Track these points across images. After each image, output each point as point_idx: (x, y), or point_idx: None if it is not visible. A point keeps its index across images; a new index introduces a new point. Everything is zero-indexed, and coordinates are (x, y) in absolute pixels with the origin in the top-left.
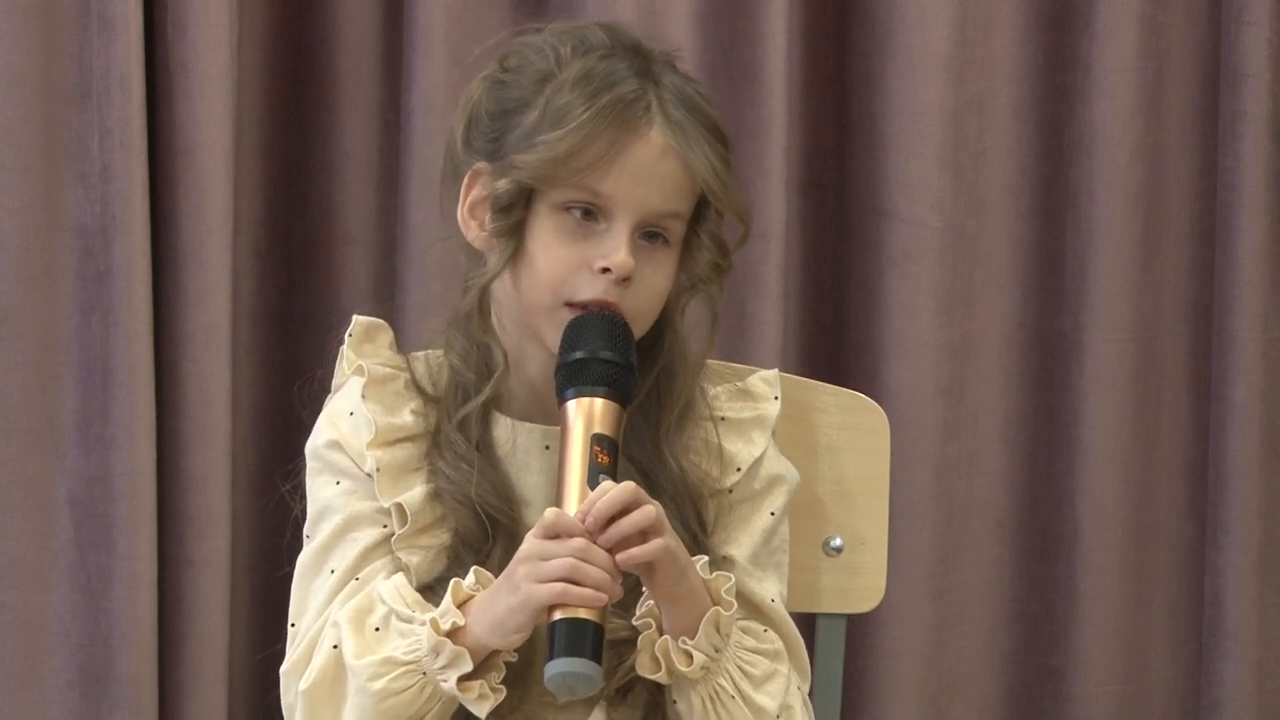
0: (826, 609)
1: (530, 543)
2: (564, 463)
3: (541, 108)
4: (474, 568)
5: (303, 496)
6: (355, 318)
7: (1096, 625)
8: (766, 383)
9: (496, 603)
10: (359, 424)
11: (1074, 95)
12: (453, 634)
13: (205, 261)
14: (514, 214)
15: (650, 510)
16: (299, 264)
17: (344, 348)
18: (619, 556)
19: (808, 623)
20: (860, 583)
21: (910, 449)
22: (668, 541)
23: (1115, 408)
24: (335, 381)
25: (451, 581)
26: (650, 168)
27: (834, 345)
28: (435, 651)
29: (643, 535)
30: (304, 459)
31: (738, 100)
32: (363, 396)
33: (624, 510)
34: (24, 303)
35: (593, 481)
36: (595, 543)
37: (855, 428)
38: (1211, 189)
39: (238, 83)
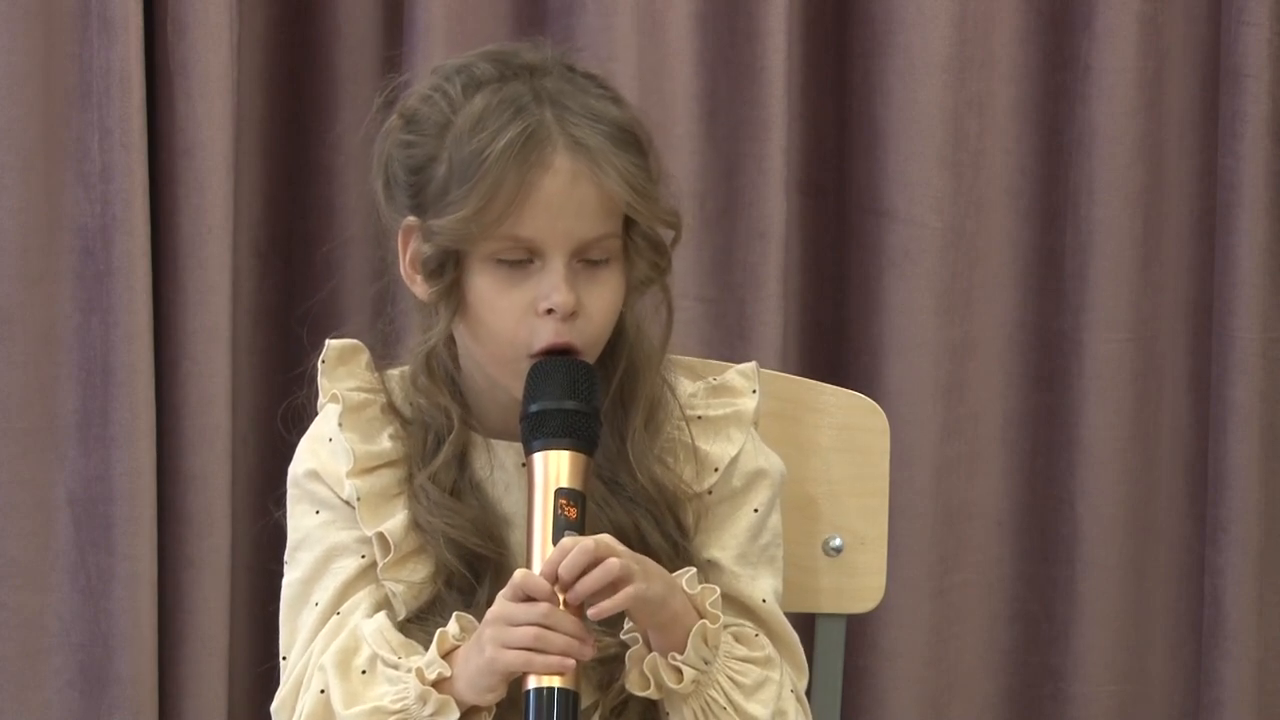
0: (826, 609)
1: (498, 604)
2: (531, 519)
3: (448, 161)
4: (456, 614)
5: None
6: (328, 342)
7: (1096, 625)
8: (744, 376)
9: (470, 660)
10: (338, 451)
11: (1074, 95)
12: (438, 684)
13: (205, 261)
14: (446, 276)
15: (612, 564)
16: (299, 264)
17: (319, 374)
18: (590, 612)
19: (807, 623)
20: (860, 583)
21: (910, 449)
22: (636, 589)
23: (1115, 408)
24: (319, 402)
25: (438, 632)
26: (565, 198)
27: (834, 345)
28: (422, 700)
29: (612, 586)
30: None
31: (738, 100)
32: (339, 425)
33: (587, 567)
34: (24, 303)
35: (558, 538)
36: (563, 599)
37: (855, 428)
38: (1211, 189)
39: (238, 83)
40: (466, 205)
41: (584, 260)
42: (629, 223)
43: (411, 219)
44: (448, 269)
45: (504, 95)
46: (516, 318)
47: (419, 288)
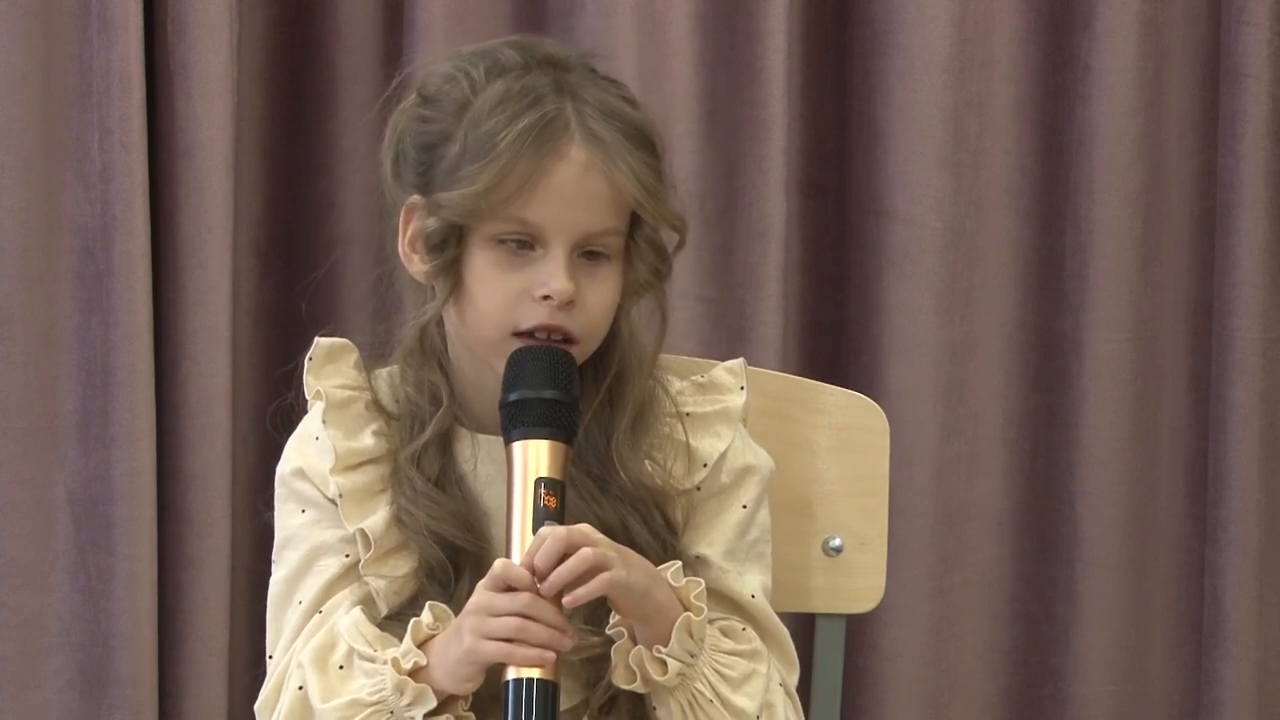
0: (826, 609)
1: (478, 594)
2: (511, 509)
3: (462, 139)
4: (429, 603)
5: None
6: (317, 340)
7: (1096, 625)
8: (731, 373)
9: (449, 650)
10: (323, 449)
11: (1074, 95)
12: (414, 673)
13: (205, 261)
14: (447, 251)
15: (586, 553)
16: (299, 264)
17: (305, 372)
18: (565, 599)
19: (807, 623)
20: (860, 583)
21: (910, 449)
22: (614, 575)
23: (1115, 408)
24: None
25: (411, 622)
26: (575, 188)
27: (834, 345)
28: (399, 690)
29: (587, 574)
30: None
31: (738, 100)
32: (323, 422)
33: (562, 556)
34: (24, 303)
35: (538, 528)
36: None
37: (855, 428)
38: (1211, 189)
39: (238, 83)
40: (478, 181)
41: (584, 255)
42: (633, 224)
43: (416, 198)
44: (449, 245)
45: (526, 83)
46: (510, 300)
47: (415, 266)
